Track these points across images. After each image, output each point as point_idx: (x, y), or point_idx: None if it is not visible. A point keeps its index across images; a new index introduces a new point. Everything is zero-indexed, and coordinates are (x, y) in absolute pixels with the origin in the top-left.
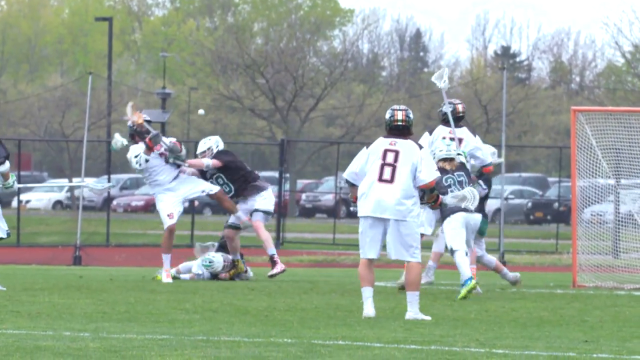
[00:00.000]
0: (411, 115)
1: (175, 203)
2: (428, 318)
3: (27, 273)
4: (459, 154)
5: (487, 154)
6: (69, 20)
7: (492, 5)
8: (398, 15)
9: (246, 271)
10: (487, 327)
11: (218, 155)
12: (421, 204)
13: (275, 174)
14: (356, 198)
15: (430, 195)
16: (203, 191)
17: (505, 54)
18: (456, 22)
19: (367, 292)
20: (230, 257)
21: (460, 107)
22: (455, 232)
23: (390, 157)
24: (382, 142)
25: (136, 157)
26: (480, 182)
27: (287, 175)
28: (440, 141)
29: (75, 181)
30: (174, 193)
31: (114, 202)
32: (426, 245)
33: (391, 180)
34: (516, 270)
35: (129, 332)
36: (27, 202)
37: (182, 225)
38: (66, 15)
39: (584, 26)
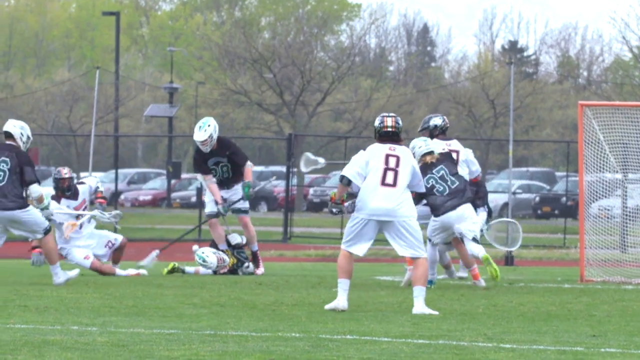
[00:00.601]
0: (400, 122)
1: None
2: (435, 313)
3: (36, 267)
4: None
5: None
6: (76, 14)
7: (499, 0)
8: (405, 10)
9: (247, 265)
10: (494, 322)
11: (239, 153)
12: None
13: (283, 169)
14: (343, 200)
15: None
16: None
17: (513, 48)
18: (463, 17)
19: (344, 284)
20: (224, 256)
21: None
22: (439, 231)
23: (392, 162)
24: (381, 147)
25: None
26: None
27: (295, 170)
28: (418, 140)
29: (83, 176)
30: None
31: (122, 197)
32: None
33: (394, 184)
34: (524, 265)
35: (136, 327)
36: None
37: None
38: (73, 10)
39: (592, 21)
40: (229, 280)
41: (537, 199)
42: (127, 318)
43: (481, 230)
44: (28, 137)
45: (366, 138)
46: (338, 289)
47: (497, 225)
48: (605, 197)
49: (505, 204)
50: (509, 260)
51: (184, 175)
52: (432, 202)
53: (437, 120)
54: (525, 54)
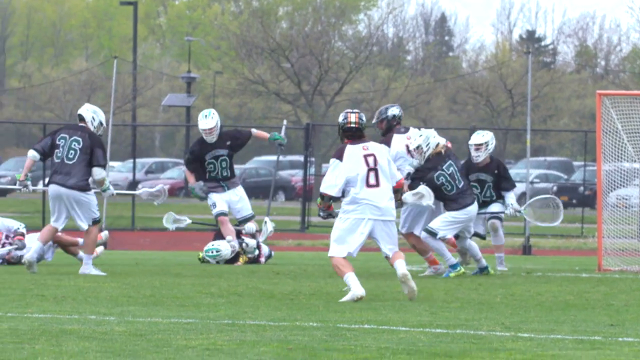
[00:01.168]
0: (364, 118)
1: None
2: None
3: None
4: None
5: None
6: (93, 4)
7: None
8: None
9: (259, 255)
10: (512, 311)
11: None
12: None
13: (301, 158)
14: (330, 206)
15: (396, 195)
16: None
17: (531, 38)
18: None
19: (352, 277)
20: (235, 243)
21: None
22: (452, 225)
23: (371, 162)
24: (355, 149)
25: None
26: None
27: (312, 159)
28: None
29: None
30: None
31: (139, 186)
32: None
33: (377, 184)
34: (542, 254)
35: (154, 316)
36: None
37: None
38: (91, 0)
39: (609, 10)
40: (247, 269)
41: (555, 188)
42: (145, 307)
43: (519, 212)
44: (100, 123)
45: None
46: (348, 282)
47: (537, 203)
48: (623, 186)
49: (523, 194)
50: (526, 249)
51: None
52: (406, 200)
53: (395, 110)
54: (542, 43)
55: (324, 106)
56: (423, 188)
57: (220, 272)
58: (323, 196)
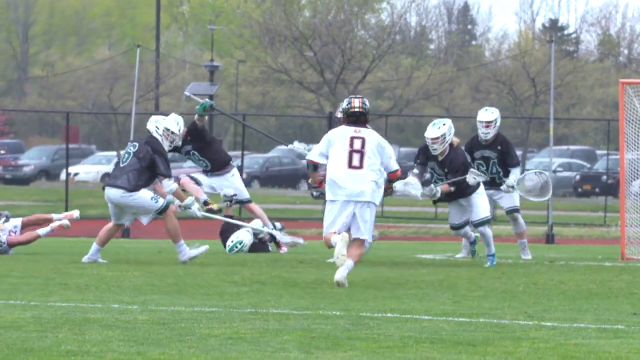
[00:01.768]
0: (367, 104)
1: None
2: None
3: (76, 245)
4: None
5: None
6: None
7: None
8: None
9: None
10: (535, 300)
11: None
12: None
13: None
14: (320, 183)
15: (388, 185)
16: None
17: (553, 26)
18: None
19: (335, 237)
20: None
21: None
22: (487, 203)
23: (357, 144)
24: (346, 130)
25: None
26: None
27: None
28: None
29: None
30: None
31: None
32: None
33: (360, 166)
34: (565, 243)
35: (177, 305)
36: (76, 174)
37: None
38: None
39: None
40: (270, 258)
41: (578, 177)
42: (168, 296)
43: (512, 187)
44: (165, 129)
45: (407, 116)
46: (336, 244)
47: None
48: None
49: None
50: (549, 238)
51: None
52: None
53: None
54: (565, 32)
55: (347, 95)
56: (412, 178)
57: (243, 261)
58: (308, 164)
